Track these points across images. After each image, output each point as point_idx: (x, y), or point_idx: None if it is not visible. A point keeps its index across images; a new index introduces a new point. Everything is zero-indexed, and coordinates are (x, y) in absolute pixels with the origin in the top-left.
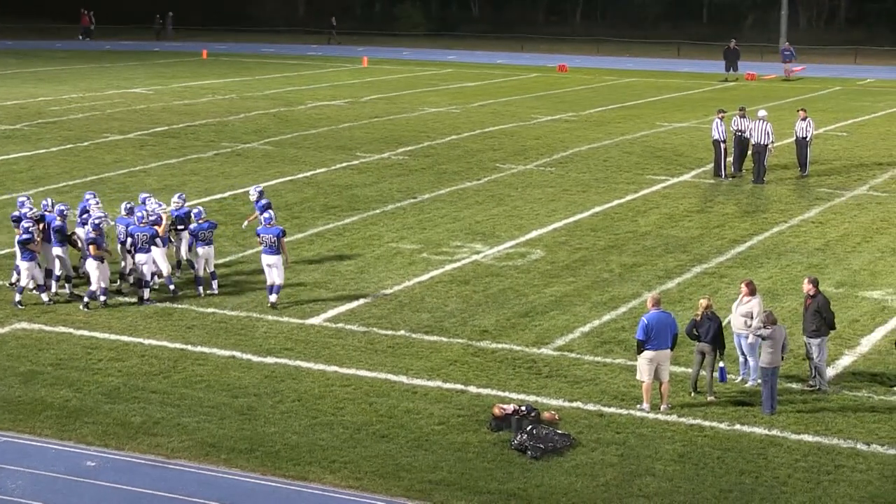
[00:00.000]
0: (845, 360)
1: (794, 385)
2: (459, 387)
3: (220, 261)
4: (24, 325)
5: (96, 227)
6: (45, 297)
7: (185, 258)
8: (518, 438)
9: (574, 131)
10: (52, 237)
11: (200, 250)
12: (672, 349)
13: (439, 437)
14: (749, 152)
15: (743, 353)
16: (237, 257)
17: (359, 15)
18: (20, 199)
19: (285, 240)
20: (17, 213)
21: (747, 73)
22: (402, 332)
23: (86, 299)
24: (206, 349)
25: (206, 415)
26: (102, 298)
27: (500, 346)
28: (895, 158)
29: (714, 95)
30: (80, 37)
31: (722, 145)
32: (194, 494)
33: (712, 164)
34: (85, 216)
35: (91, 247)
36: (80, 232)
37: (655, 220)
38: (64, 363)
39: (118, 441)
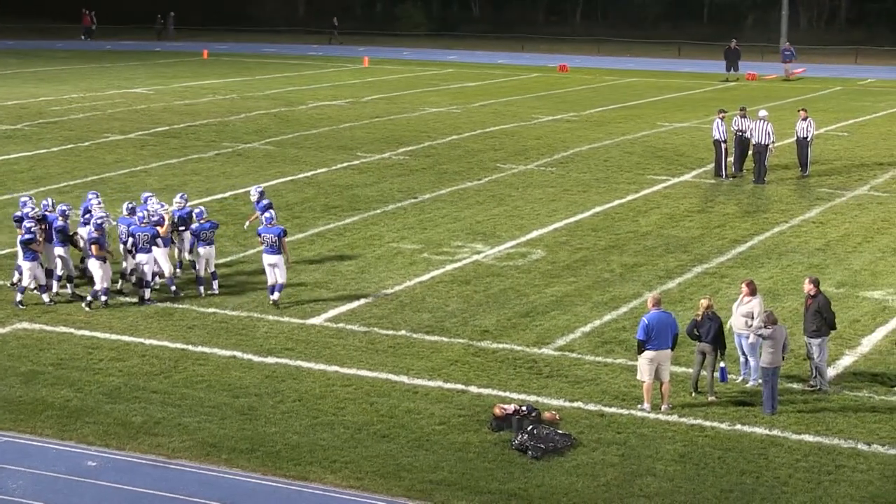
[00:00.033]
0: (846, 361)
1: (794, 385)
2: (460, 387)
3: (221, 261)
4: (25, 325)
5: (98, 227)
6: (46, 297)
7: (187, 258)
8: (519, 438)
9: (575, 131)
10: (54, 237)
11: (202, 250)
12: (672, 349)
13: (440, 437)
14: (750, 152)
15: (744, 354)
16: (238, 257)
17: (359, 15)
18: (22, 199)
19: (286, 239)
20: (19, 213)
21: (748, 73)
22: (403, 332)
23: (89, 298)
24: (206, 349)
25: (206, 415)
26: (104, 298)
27: (500, 346)
28: None
29: (715, 95)
30: (83, 37)
31: (723, 145)
32: (195, 494)
33: (713, 164)
34: (87, 216)
35: (93, 246)
36: (83, 232)
37: (656, 220)
38: (65, 363)
39: (119, 441)
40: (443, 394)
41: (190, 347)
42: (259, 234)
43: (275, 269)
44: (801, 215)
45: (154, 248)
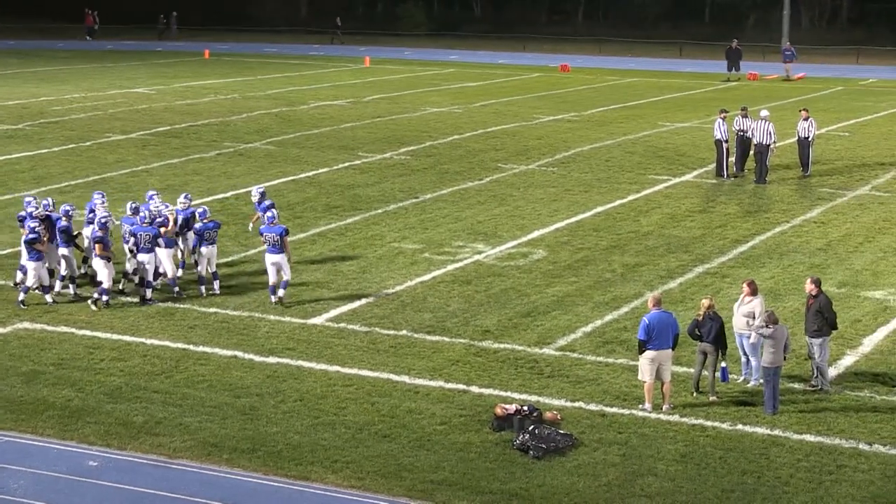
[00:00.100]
0: (847, 360)
1: (796, 385)
2: (461, 387)
3: (222, 260)
4: (27, 324)
5: (103, 227)
6: (48, 297)
7: (193, 259)
8: (520, 438)
9: (576, 131)
10: (58, 237)
11: (204, 250)
12: (673, 349)
13: (441, 437)
14: (751, 152)
15: (745, 353)
16: (239, 257)
17: (361, 15)
18: (26, 198)
19: (288, 238)
20: (22, 213)
21: (749, 73)
22: (405, 331)
23: (95, 296)
24: (208, 349)
25: (208, 415)
26: (105, 298)
27: (502, 346)
28: None
29: (716, 95)
30: (87, 37)
31: (724, 145)
32: (196, 494)
33: (714, 164)
34: (91, 215)
35: (97, 246)
36: (87, 231)
37: (657, 219)
38: (66, 363)
39: (120, 441)
40: (444, 394)
41: (191, 347)
42: (261, 234)
43: (278, 268)
44: (803, 215)
45: (157, 248)
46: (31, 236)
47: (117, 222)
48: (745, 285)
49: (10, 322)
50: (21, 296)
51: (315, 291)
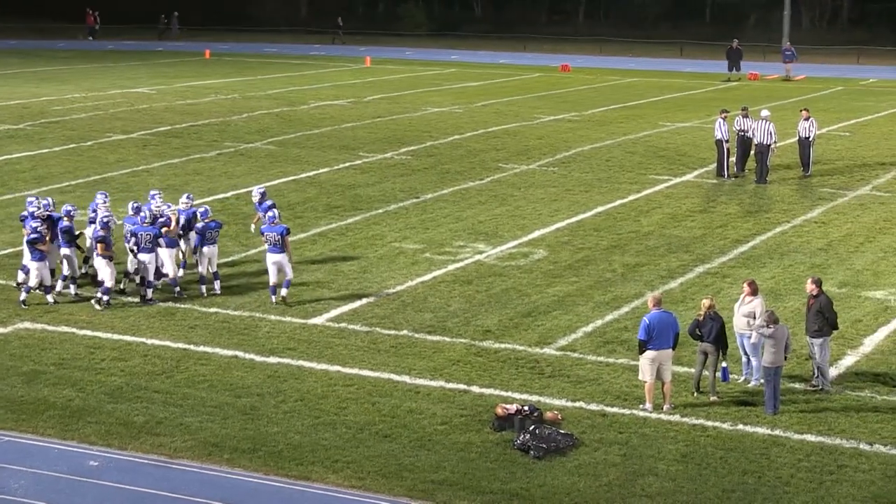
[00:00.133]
0: (848, 360)
1: (796, 385)
2: (462, 387)
3: (223, 260)
4: (27, 324)
5: (105, 226)
6: (49, 297)
7: (195, 259)
8: (521, 438)
9: (577, 131)
10: (60, 237)
11: (205, 249)
12: (674, 349)
13: (442, 437)
14: (752, 152)
15: (745, 353)
16: (240, 257)
17: (361, 15)
18: (29, 198)
19: (289, 238)
20: (25, 213)
21: (750, 73)
22: (405, 331)
23: (98, 295)
24: (208, 349)
25: (208, 414)
26: (105, 298)
27: (502, 345)
28: None
29: (717, 95)
30: (89, 37)
31: (725, 145)
32: (197, 494)
33: (715, 164)
34: (94, 215)
35: (99, 245)
36: (89, 231)
37: (658, 219)
38: (67, 363)
39: (121, 441)
40: (445, 394)
41: (192, 347)
42: (262, 234)
43: (279, 268)
44: (803, 215)
45: (159, 248)
46: (33, 236)
47: (119, 222)
48: (745, 285)
49: (10, 322)
50: (23, 295)
51: (316, 291)
